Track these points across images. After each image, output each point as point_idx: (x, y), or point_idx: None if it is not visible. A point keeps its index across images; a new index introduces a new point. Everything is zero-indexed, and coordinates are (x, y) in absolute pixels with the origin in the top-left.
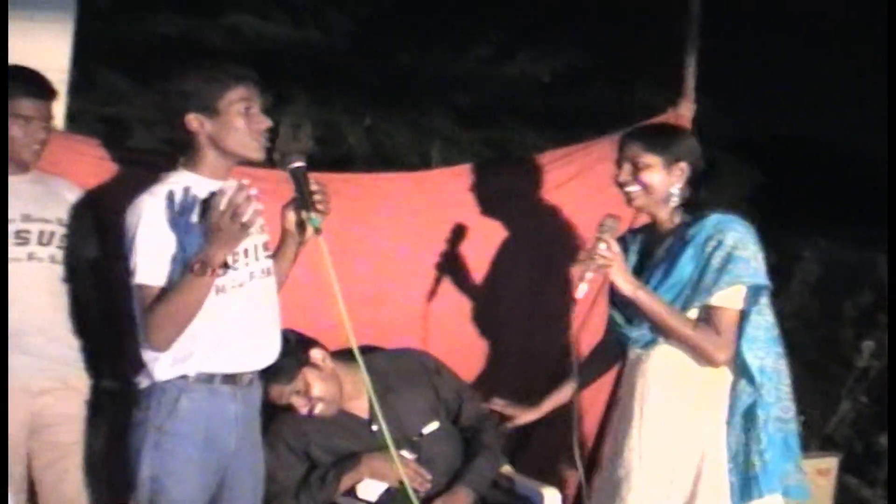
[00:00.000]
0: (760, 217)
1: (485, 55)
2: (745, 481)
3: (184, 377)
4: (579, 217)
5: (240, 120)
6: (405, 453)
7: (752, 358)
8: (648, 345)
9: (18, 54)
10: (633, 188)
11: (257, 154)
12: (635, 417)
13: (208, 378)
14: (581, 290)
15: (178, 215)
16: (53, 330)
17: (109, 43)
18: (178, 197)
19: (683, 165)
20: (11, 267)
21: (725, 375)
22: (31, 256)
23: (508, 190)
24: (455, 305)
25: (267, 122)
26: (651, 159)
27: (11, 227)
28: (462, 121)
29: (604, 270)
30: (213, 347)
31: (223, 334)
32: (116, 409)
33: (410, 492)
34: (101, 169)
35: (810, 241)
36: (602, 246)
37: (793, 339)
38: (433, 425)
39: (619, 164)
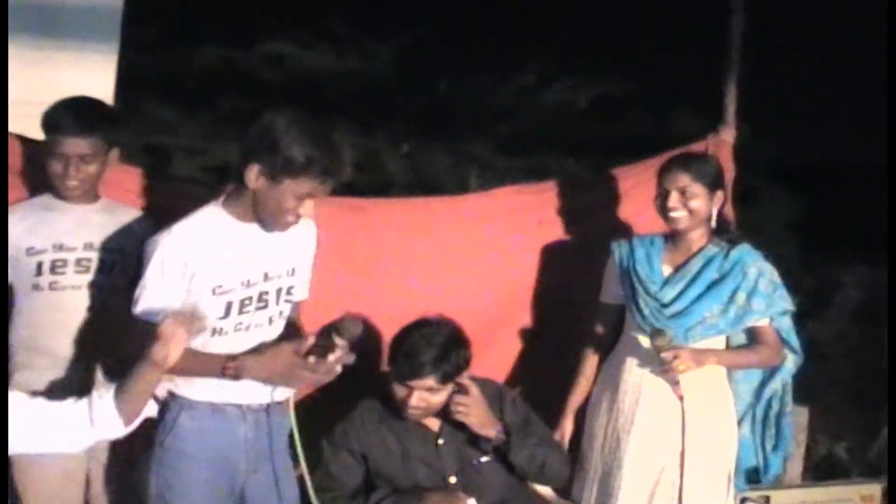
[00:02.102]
0: (801, 243)
1: (524, 84)
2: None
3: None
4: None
5: (290, 202)
6: (452, 479)
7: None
8: (678, 341)
9: (65, 86)
10: (681, 213)
11: (280, 230)
12: (630, 413)
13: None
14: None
15: (193, 255)
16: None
17: (151, 74)
18: (198, 238)
19: (720, 193)
20: (71, 294)
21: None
22: (91, 285)
23: (544, 214)
24: (498, 325)
25: (310, 215)
26: (698, 189)
27: (73, 256)
28: (501, 149)
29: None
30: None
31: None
32: None
33: None
34: (162, 199)
35: (850, 266)
36: (669, 358)
37: (833, 365)
38: (490, 456)
39: (665, 191)
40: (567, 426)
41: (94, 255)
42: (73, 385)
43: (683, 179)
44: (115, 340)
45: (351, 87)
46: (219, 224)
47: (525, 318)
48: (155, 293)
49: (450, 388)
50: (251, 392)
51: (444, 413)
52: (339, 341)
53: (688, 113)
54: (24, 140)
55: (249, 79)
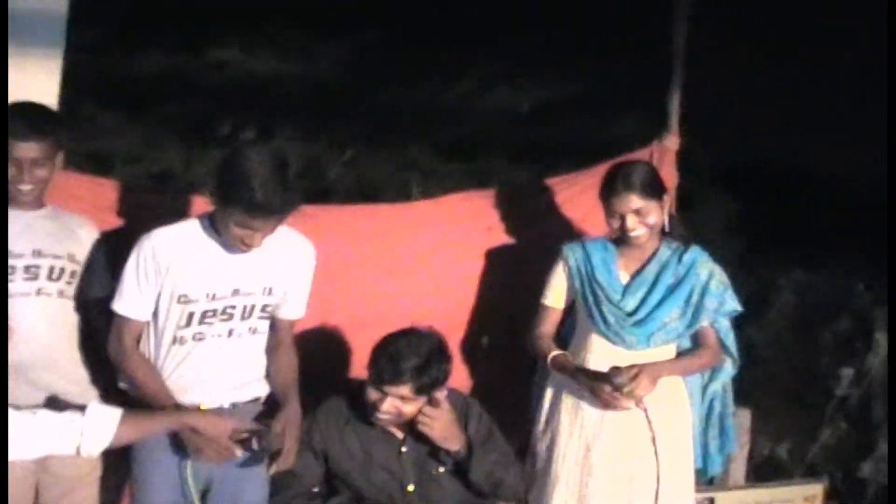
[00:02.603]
0: (739, 247)
1: (465, 89)
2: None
3: None
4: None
5: (232, 228)
6: (410, 488)
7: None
8: (639, 346)
9: (10, 90)
10: (641, 231)
11: (239, 251)
12: (597, 418)
13: None
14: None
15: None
16: (61, 364)
17: (95, 79)
18: (172, 244)
19: (666, 198)
20: (20, 301)
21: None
22: (39, 291)
23: (493, 220)
24: (447, 331)
25: (256, 246)
26: (652, 205)
27: (21, 262)
28: (442, 154)
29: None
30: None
31: (191, 376)
32: None
33: None
34: (110, 205)
35: (788, 270)
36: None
37: (771, 367)
38: (448, 464)
39: (619, 215)
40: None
41: (42, 262)
42: (19, 392)
43: (636, 201)
44: (63, 346)
45: (294, 92)
46: (195, 235)
47: (474, 325)
48: (131, 292)
49: (423, 400)
50: (215, 395)
51: (411, 423)
52: (255, 445)
53: (629, 118)
54: None
55: (194, 84)
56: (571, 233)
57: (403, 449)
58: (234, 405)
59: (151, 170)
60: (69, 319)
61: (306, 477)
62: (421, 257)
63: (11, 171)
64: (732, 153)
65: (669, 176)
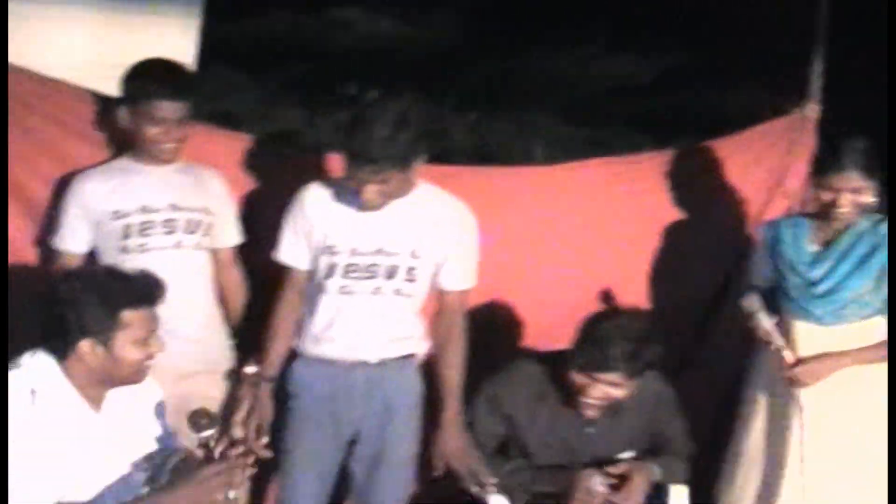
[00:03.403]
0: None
1: (590, 54)
2: None
3: None
4: (708, 213)
5: (351, 185)
6: (598, 479)
7: None
8: (831, 321)
9: (146, 49)
10: (849, 210)
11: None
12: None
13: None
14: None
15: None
16: (201, 315)
17: (221, 39)
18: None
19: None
20: (159, 255)
21: None
22: (178, 245)
23: (639, 185)
24: (591, 298)
25: (375, 202)
26: (869, 185)
27: (159, 217)
28: (566, 119)
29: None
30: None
31: (338, 329)
32: None
33: None
34: (241, 160)
35: None
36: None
37: None
38: (628, 454)
39: (835, 191)
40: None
41: (179, 216)
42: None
43: (856, 181)
44: (201, 297)
45: (417, 54)
46: (344, 191)
47: (620, 292)
48: (287, 242)
49: (635, 383)
50: (361, 349)
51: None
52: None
53: (755, 87)
54: (105, 100)
55: (316, 44)
56: (714, 200)
57: (589, 430)
58: (382, 361)
59: (274, 129)
60: (205, 271)
61: (488, 441)
62: (563, 221)
63: (154, 131)
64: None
65: (809, 145)
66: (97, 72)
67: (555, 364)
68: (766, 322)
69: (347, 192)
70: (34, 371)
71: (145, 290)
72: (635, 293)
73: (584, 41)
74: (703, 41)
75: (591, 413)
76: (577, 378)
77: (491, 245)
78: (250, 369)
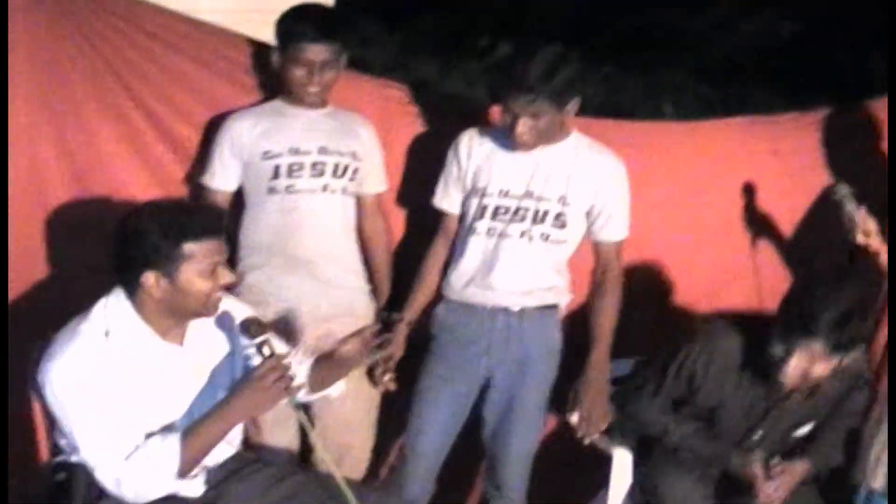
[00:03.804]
0: None
1: (725, 12)
2: None
3: None
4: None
5: (505, 119)
6: (757, 435)
7: None
8: None
9: None
10: None
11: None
12: None
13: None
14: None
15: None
16: (343, 259)
17: None
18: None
19: None
20: (307, 197)
21: None
22: (325, 188)
23: (783, 145)
24: (732, 253)
25: (526, 138)
26: None
27: (308, 159)
28: (697, 76)
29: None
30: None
31: (488, 274)
32: None
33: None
34: (383, 107)
35: None
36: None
37: None
38: (806, 428)
39: None
40: None
41: (328, 159)
42: (303, 285)
43: None
44: (344, 241)
45: (549, 8)
46: (497, 136)
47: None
48: (442, 186)
49: (837, 360)
50: (503, 297)
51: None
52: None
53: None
54: (256, 44)
55: None
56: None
57: (780, 405)
58: (523, 310)
59: (407, 79)
60: (349, 216)
61: (665, 391)
62: (706, 178)
63: (299, 73)
64: None
65: None
66: (243, 17)
67: (752, 331)
68: (853, 210)
69: (501, 137)
70: (107, 313)
71: (208, 221)
72: (775, 257)
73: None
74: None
75: (790, 383)
76: (777, 348)
77: (637, 202)
78: (387, 314)
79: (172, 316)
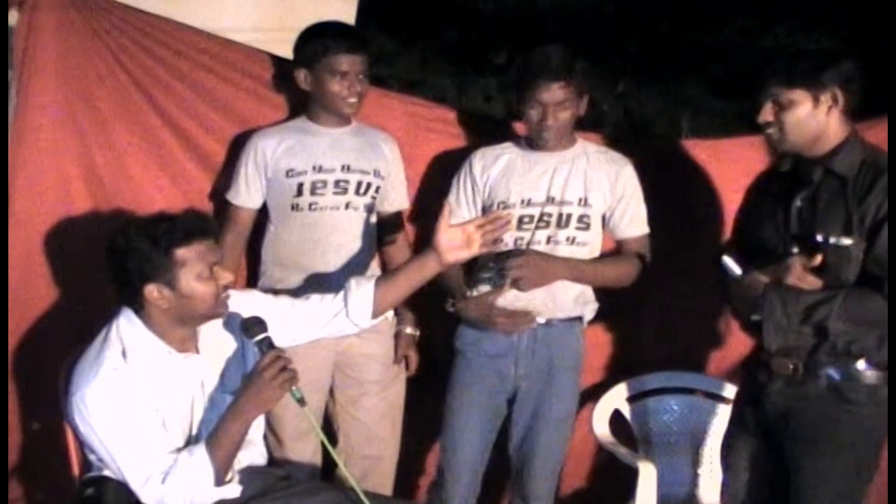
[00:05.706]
0: None
1: (743, 26)
2: None
3: None
4: None
5: (529, 113)
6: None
7: None
8: None
9: (309, 14)
10: None
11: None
12: None
13: None
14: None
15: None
16: (361, 274)
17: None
18: (492, 155)
19: None
20: (330, 214)
21: None
22: (348, 205)
23: None
24: None
25: (549, 125)
26: None
27: (331, 177)
28: (715, 91)
29: None
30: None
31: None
32: None
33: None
34: (408, 123)
35: None
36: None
37: None
38: (846, 241)
39: None
40: None
41: (351, 177)
42: None
43: None
44: (367, 257)
45: (567, 23)
46: (510, 150)
47: None
48: (455, 203)
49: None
50: (530, 307)
51: None
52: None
53: None
54: (280, 62)
55: (469, 12)
56: None
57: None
58: (549, 321)
59: (425, 94)
60: (371, 232)
61: None
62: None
63: (337, 86)
64: None
65: None
66: (265, 35)
67: None
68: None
69: (515, 151)
70: (120, 334)
71: (192, 225)
72: None
73: (739, 13)
74: (858, 17)
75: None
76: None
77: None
78: (408, 329)
79: (184, 324)
